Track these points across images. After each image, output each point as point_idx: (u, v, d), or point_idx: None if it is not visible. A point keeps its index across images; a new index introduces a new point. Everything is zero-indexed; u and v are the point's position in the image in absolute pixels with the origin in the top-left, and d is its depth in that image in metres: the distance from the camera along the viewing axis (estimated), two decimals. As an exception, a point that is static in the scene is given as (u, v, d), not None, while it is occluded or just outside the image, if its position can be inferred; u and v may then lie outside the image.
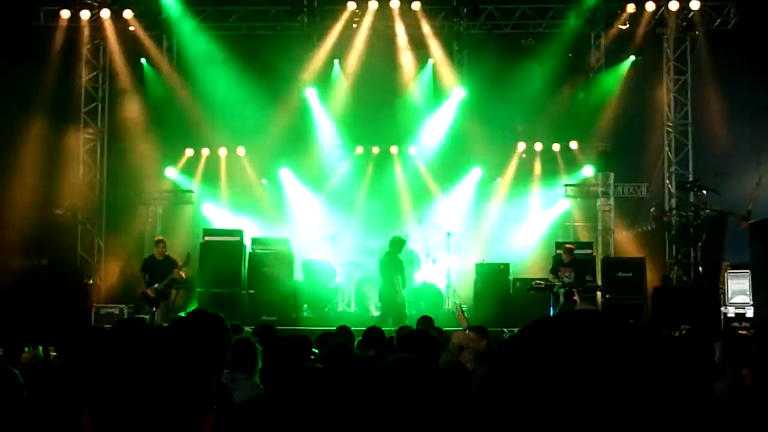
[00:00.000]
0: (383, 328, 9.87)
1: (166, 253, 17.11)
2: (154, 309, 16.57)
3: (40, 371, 6.37)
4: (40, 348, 8.19)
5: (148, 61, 21.41)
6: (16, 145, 19.75)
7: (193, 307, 16.53)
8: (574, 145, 21.66)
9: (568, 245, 17.67)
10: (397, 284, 16.82)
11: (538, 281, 17.98)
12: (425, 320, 11.65)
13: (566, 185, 21.44)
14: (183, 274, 17.09)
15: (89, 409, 1.89)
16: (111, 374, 1.89)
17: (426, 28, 21.10)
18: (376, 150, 22.15)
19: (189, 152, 22.02)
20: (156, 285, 16.59)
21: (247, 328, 10.32)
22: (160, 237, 17.95)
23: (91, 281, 19.61)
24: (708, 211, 19.34)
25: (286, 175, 21.90)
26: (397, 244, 17.30)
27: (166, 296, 16.93)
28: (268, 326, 9.41)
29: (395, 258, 17.13)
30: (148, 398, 1.86)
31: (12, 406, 4.93)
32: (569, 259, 17.02)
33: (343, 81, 21.41)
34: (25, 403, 5.11)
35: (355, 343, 9.31)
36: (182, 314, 11.17)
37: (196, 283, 18.69)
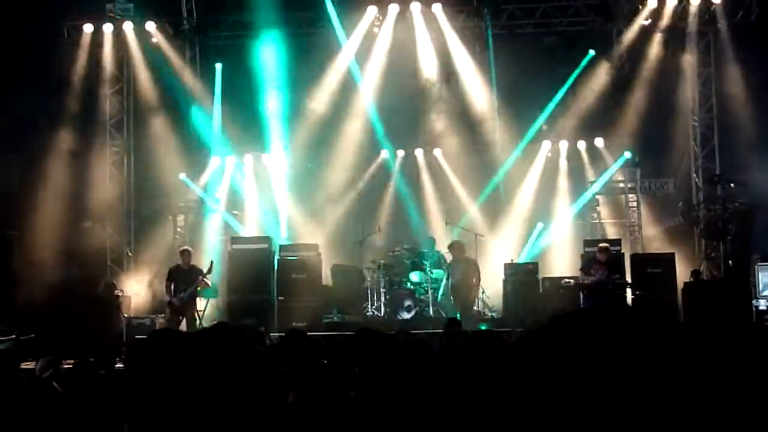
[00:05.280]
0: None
1: (191, 263, 17.18)
2: (180, 318, 16.67)
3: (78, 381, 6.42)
4: None
5: (171, 71, 21.47)
6: (43, 158, 19.92)
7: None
8: (599, 142, 21.57)
9: (603, 244, 17.55)
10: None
11: (567, 279, 17.94)
12: (453, 323, 11.62)
13: (592, 182, 21.35)
14: (208, 282, 17.15)
15: (128, 417, 1.92)
16: (149, 383, 1.92)
17: (447, 30, 21.08)
18: (401, 153, 22.17)
19: (215, 161, 22.13)
20: (182, 294, 16.66)
21: (276, 335, 10.31)
22: (186, 246, 17.99)
23: (121, 292, 19.67)
24: (736, 204, 19.22)
25: (312, 180, 21.92)
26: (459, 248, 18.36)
27: (193, 305, 17.00)
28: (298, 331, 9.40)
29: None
30: (182, 407, 1.89)
31: (50, 416, 4.98)
32: (605, 257, 16.89)
33: (366, 85, 21.39)
34: (64, 412, 5.15)
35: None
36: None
37: (225, 290, 18.77)
